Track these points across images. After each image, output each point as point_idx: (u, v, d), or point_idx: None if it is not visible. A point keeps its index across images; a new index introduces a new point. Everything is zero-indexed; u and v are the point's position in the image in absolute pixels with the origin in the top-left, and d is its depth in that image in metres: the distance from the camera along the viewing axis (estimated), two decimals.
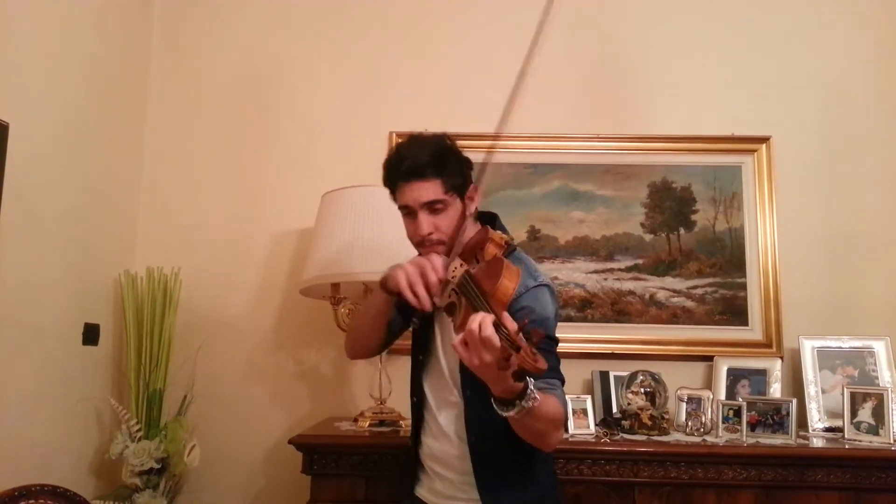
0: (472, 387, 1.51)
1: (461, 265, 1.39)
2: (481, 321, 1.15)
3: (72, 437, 2.27)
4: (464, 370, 1.52)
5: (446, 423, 1.57)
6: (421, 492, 1.63)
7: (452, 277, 1.38)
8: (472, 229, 1.55)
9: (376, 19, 2.80)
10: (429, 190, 1.49)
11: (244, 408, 2.58)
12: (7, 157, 1.90)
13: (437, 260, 1.42)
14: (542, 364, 1.12)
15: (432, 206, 1.50)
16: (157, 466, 2.26)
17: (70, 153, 2.25)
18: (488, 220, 1.61)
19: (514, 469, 1.52)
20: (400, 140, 2.63)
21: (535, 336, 1.14)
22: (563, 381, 1.46)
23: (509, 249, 1.51)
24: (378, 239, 2.17)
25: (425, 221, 1.50)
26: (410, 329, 1.74)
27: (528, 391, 1.24)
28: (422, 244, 1.53)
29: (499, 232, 1.54)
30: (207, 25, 2.81)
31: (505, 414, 1.26)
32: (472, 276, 1.33)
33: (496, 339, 1.13)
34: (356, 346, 1.79)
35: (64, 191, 2.22)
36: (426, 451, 1.62)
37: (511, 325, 1.16)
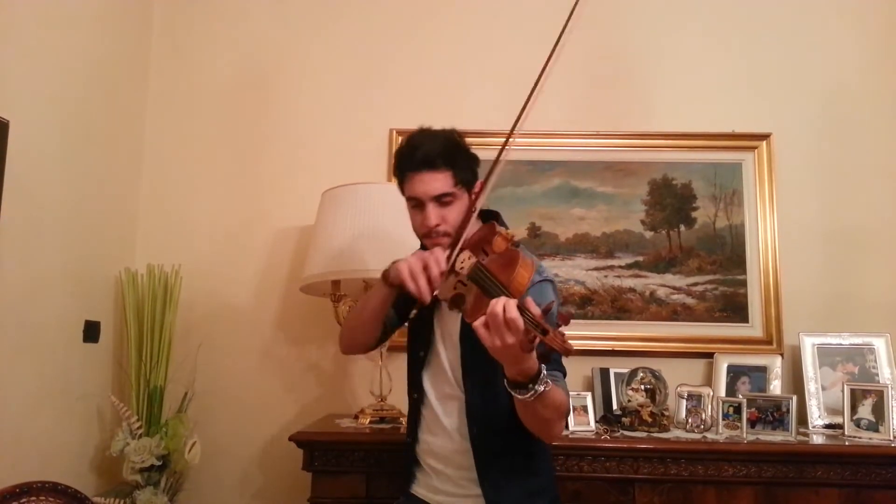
0: (474, 378, 1.53)
1: (469, 257, 1.42)
2: (505, 304, 1.20)
3: (73, 434, 2.27)
4: (465, 362, 1.54)
5: (446, 417, 1.57)
6: (418, 489, 1.63)
7: (461, 269, 1.41)
8: (474, 225, 1.56)
9: (376, 16, 2.79)
10: (439, 182, 1.51)
11: (245, 405, 2.58)
12: (7, 155, 1.90)
13: (440, 253, 1.44)
14: (570, 346, 1.17)
15: (441, 199, 1.51)
16: (157, 463, 2.26)
17: (70, 151, 2.25)
18: (491, 217, 1.62)
19: (514, 462, 1.52)
20: (401, 136, 2.67)
21: (561, 320, 1.20)
22: (564, 374, 1.47)
23: (514, 245, 1.52)
24: (378, 236, 2.17)
25: (433, 213, 1.51)
26: (407, 326, 1.74)
27: (542, 375, 1.28)
28: (428, 236, 1.54)
29: (503, 228, 1.55)
30: (207, 22, 2.81)
31: (518, 396, 1.29)
32: (485, 266, 1.37)
33: (521, 322, 1.18)
34: (351, 340, 1.79)
35: (64, 188, 2.22)
36: (424, 447, 1.61)
37: (535, 309, 1.20)
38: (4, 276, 1.94)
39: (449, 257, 1.43)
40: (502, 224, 1.59)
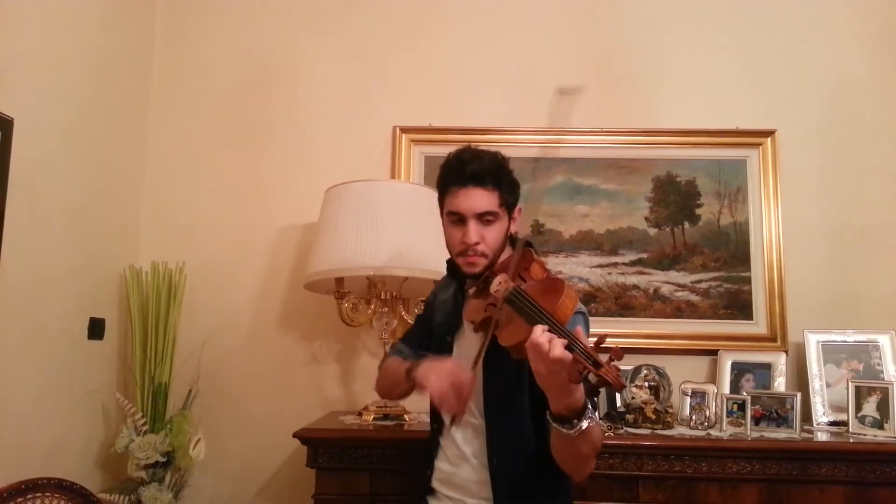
0: (496, 406, 1.50)
1: (505, 280, 1.39)
2: (550, 340, 1.17)
3: (77, 430, 2.28)
4: (487, 388, 1.51)
5: (465, 445, 1.53)
6: None
7: (495, 292, 1.38)
8: (508, 250, 1.56)
9: (379, 14, 2.79)
10: (486, 200, 1.50)
11: (249, 401, 2.59)
12: (12, 153, 1.90)
13: (468, 374, 1.39)
14: (624, 380, 1.15)
15: (484, 217, 1.50)
16: (162, 460, 2.27)
17: (74, 148, 2.26)
18: (524, 245, 1.59)
19: (536, 497, 1.49)
20: (404, 134, 2.67)
21: (614, 354, 1.15)
22: (596, 408, 1.43)
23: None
24: (382, 233, 2.17)
25: (474, 230, 1.49)
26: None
27: (587, 410, 1.24)
28: (464, 254, 1.51)
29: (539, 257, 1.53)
30: (210, 20, 2.81)
31: (563, 431, 1.25)
32: (523, 291, 1.34)
33: (567, 357, 1.14)
34: (386, 398, 2.00)
35: (68, 186, 2.23)
36: (439, 476, 1.57)
37: (585, 340, 1.17)
38: (9, 273, 1.94)
39: (473, 379, 1.39)
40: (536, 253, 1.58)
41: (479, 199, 1.50)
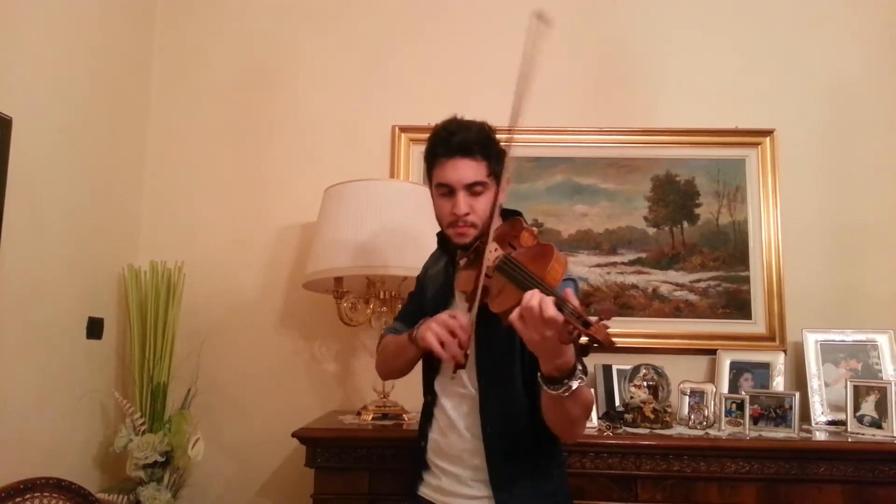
0: (488, 377, 1.51)
1: (496, 249, 1.41)
2: (541, 300, 1.18)
3: (76, 430, 2.28)
4: (479, 360, 1.52)
5: (458, 416, 1.54)
6: (425, 491, 1.59)
7: (486, 261, 1.40)
8: (497, 220, 1.56)
9: (379, 13, 2.79)
10: (474, 170, 1.50)
11: (248, 401, 2.59)
12: (11, 152, 1.90)
13: (463, 318, 1.41)
14: (613, 339, 1.15)
15: (473, 188, 1.50)
16: (161, 459, 2.27)
17: (73, 148, 2.25)
18: (514, 215, 1.60)
19: (527, 463, 1.50)
20: (403, 133, 2.67)
21: (605, 314, 1.17)
22: (586, 372, 1.44)
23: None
24: (380, 232, 2.18)
25: (464, 201, 1.49)
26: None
27: (576, 370, 1.26)
28: (454, 224, 1.51)
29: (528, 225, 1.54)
30: (210, 19, 2.81)
31: (552, 392, 1.27)
32: (514, 259, 1.36)
33: (559, 317, 1.15)
34: (387, 376, 1.84)
35: (67, 185, 2.23)
36: (433, 447, 1.59)
37: (575, 301, 1.18)
38: (8, 273, 1.94)
39: (471, 321, 1.41)
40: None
41: (467, 169, 1.49)
